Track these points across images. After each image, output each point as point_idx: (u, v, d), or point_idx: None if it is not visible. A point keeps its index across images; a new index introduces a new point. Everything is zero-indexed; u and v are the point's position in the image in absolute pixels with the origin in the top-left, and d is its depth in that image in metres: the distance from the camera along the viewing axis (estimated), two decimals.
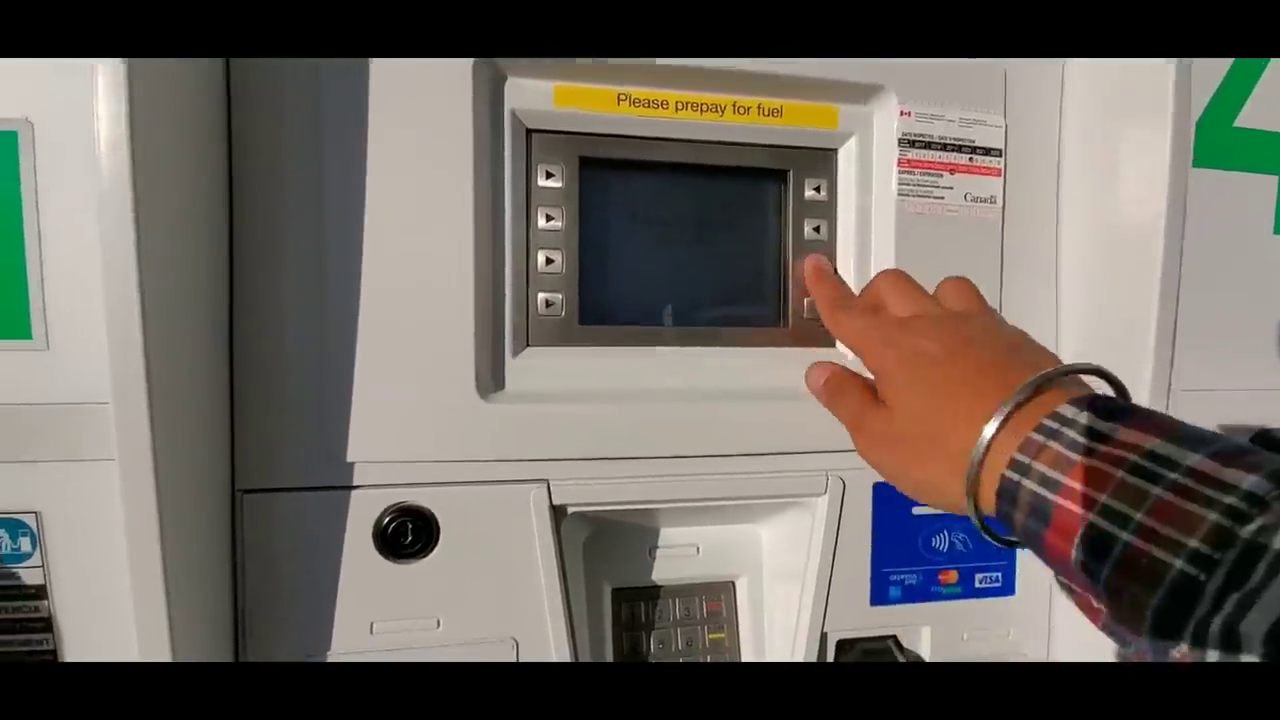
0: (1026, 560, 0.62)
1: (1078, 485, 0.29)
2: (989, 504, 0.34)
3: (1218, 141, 0.63)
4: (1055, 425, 0.31)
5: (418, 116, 0.49)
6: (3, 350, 0.42)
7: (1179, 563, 0.25)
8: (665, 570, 0.61)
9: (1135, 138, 0.57)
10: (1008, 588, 0.61)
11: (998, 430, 0.33)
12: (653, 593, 0.60)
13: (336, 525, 0.48)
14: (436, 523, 0.49)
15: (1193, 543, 0.25)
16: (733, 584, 0.62)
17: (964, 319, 0.42)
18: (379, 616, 0.49)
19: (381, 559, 0.48)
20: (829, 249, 0.59)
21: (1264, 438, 0.67)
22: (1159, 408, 0.57)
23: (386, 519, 0.48)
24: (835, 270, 0.58)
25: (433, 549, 0.49)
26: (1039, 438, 0.31)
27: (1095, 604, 0.31)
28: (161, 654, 0.41)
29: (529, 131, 0.54)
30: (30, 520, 0.44)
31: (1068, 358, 0.61)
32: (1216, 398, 0.65)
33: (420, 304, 0.49)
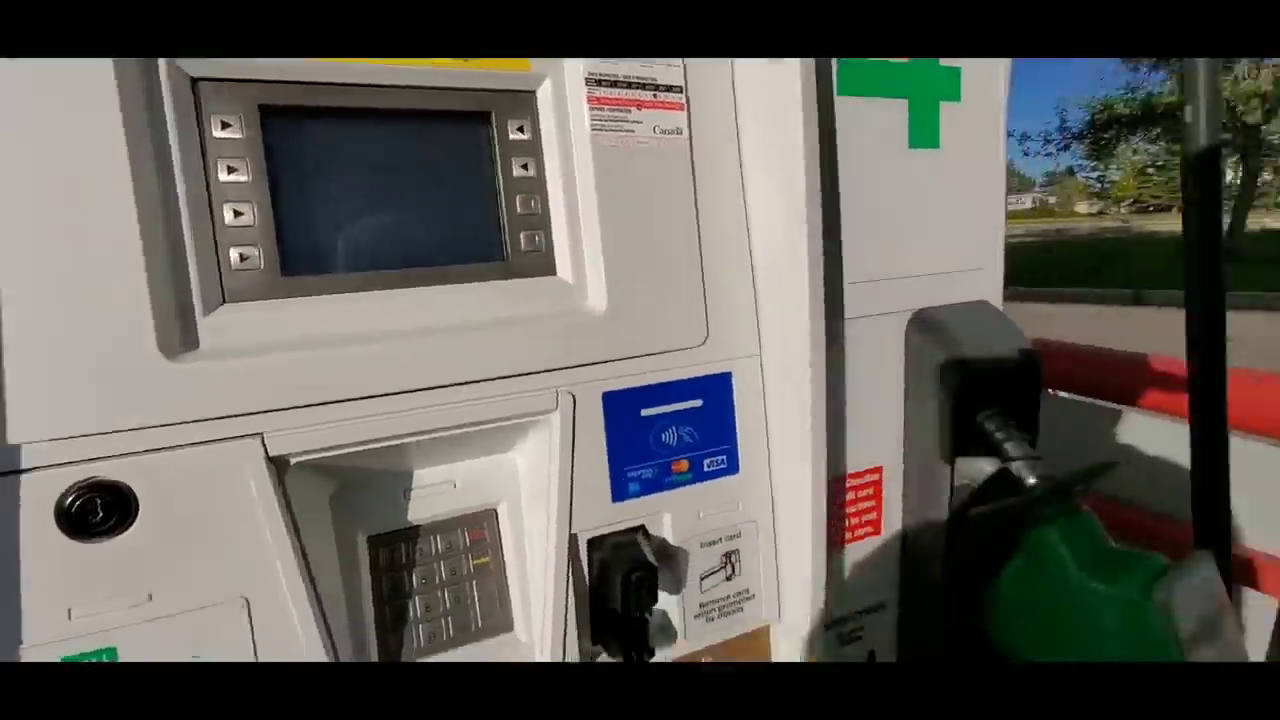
0: (746, 442, 0.71)
1: None
2: None
3: (859, 72, 0.76)
4: None
5: (50, 76, 0.44)
6: None
7: None
8: (422, 509, 0.63)
9: (786, 69, 0.66)
10: (732, 467, 0.71)
11: None
12: (411, 533, 0.62)
13: (8, 513, 0.44)
14: (133, 495, 0.47)
15: None
16: (495, 511, 0.66)
17: None
18: (76, 601, 0.46)
19: (70, 541, 0.45)
20: (539, 185, 0.63)
21: (920, 320, 0.82)
22: (834, 300, 0.68)
23: (69, 499, 0.45)
24: None
25: (132, 523, 0.47)
26: None
27: None
28: None
29: (195, 80, 0.51)
30: None
31: (759, 253, 0.71)
32: (878, 287, 0.79)
33: (84, 271, 0.45)
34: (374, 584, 0.60)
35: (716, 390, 0.70)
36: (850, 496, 0.78)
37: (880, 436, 0.81)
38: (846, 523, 0.78)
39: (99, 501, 0.46)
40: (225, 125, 0.52)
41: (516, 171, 0.63)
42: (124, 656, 0.47)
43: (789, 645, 0.76)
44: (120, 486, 0.47)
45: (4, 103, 0.44)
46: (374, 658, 0.58)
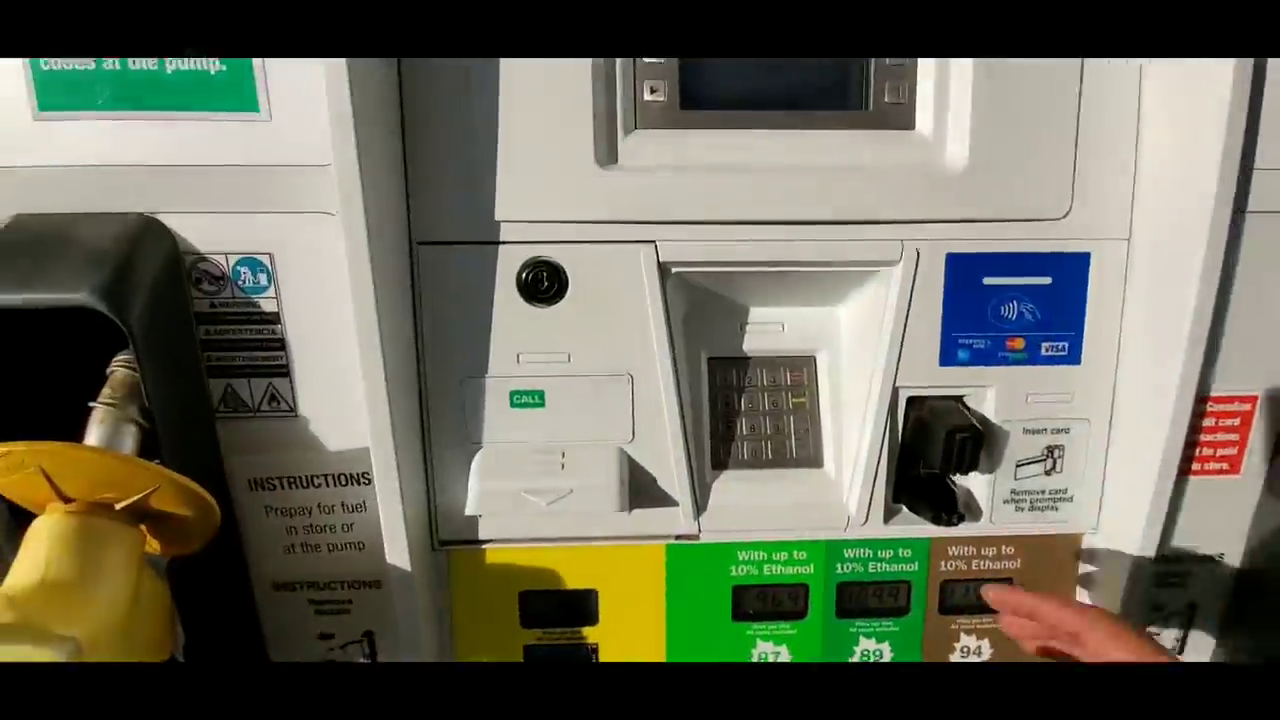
0: (1094, 333, 0.66)
1: None
2: None
3: None
4: None
5: None
6: (234, 121, 0.54)
7: None
8: (754, 343, 0.70)
9: None
10: (1074, 357, 0.67)
11: None
12: (743, 363, 0.70)
13: (488, 273, 0.59)
14: (566, 274, 0.60)
15: None
16: (814, 358, 0.71)
17: None
18: (524, 349, 0.61)
19: (524, 303, 0.60)
20: None
21: None
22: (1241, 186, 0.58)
23: (526, 269, 0.59)
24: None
25: (563, 296, 0.60)
26: None
27: None
28: (374, 362, 0.54)
29: None
30: (265, 260, 0.57)
31: (1153, 112, 0.62)
32: None
33: (548, 93, 0.58)
34: (710, 397, 0.69)
35: (1070, 270, 0.65)
36: (1209, 423, 0.69)
37: (1260, 360, 0.69)
38: (1198, 451, 0.69)
39: (544, 274, 0.59)
40: None
41: None
42: (549, 400, 0.62)
43: (1104, 562, 0.71)
44: (558, 266, 0.60)
45: None
46: (708, 456, 0.68)
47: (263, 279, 0.57)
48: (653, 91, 0.61)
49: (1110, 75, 0.62)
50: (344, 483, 0.61)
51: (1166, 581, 0.74)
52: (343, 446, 0.60)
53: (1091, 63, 0.62)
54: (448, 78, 0.57)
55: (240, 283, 0.57)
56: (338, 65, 0.49)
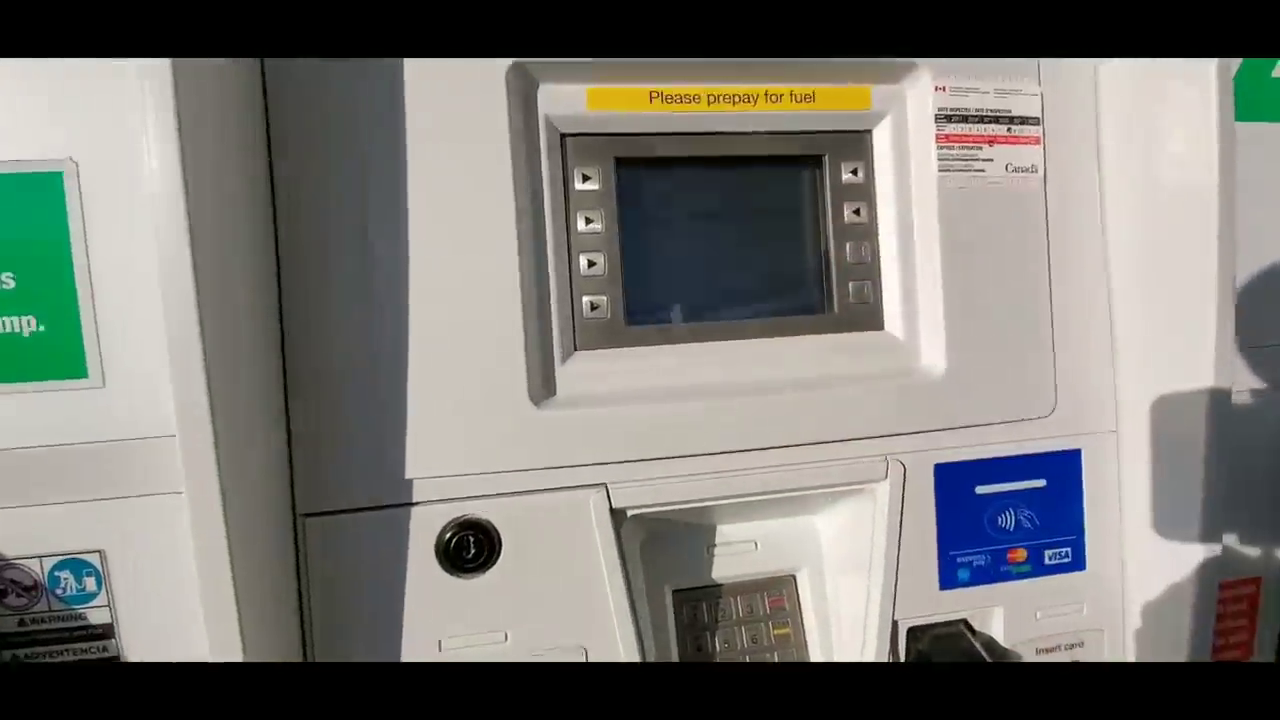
0: (1095, 534, 0.60)
1: None
2: None
3: (1257, 94, 0.62)
4: None
5: (454, 127, 0.48)
6: (60, 390, 0.42)
7: None
8: (725, 568, 0.60)
9: (1176, 95, 0.55)
10: (1078, 563, 0.60)
11: None
12: (714, 592, 0.59)
13: (398, 543, 0.47)
14: (497, 535, 0.49)
15: None
16: (794, 578, 0.61)
17: None
18: (446, 633, 0.48)
19: (445, 574, 0.48)
20: (869, 230, 0.58)
21: None
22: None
23: (448, 534, 0.48)
24: None
25: (495, 561, 0.49)
26: None
27: None
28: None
29: (564, 136, 0.53)
30: (95, 560, 0.43)
31: (1123, 310, 0.60)
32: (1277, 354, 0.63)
33: (468, 315, 0.48)
34: (679, 641, 0.57)
35: (1063, 469, 0.59)
36: (1218, 610, 0.63)
37: (1263, 541, 0.65)
38: (1211, 642, 0.63)
39: (471, 539, 0.48)
40: (586, 178, 0.53)
41: (848, 217, 0.58)
42: None
43: None
44: (487, 526, 0.48)
45: (420, 150, 0.48)
46: None
47: (90, 584, 0.44)
48: (593, 308, 0.53)
49: (1075, 262, 0.59)
50: None
51: None
52: None
53: (1058, 245, 0.58)
54: (339, 313, 0.47)
55: (60, 591, 0.43)
56: (180, 286, 0.37)
